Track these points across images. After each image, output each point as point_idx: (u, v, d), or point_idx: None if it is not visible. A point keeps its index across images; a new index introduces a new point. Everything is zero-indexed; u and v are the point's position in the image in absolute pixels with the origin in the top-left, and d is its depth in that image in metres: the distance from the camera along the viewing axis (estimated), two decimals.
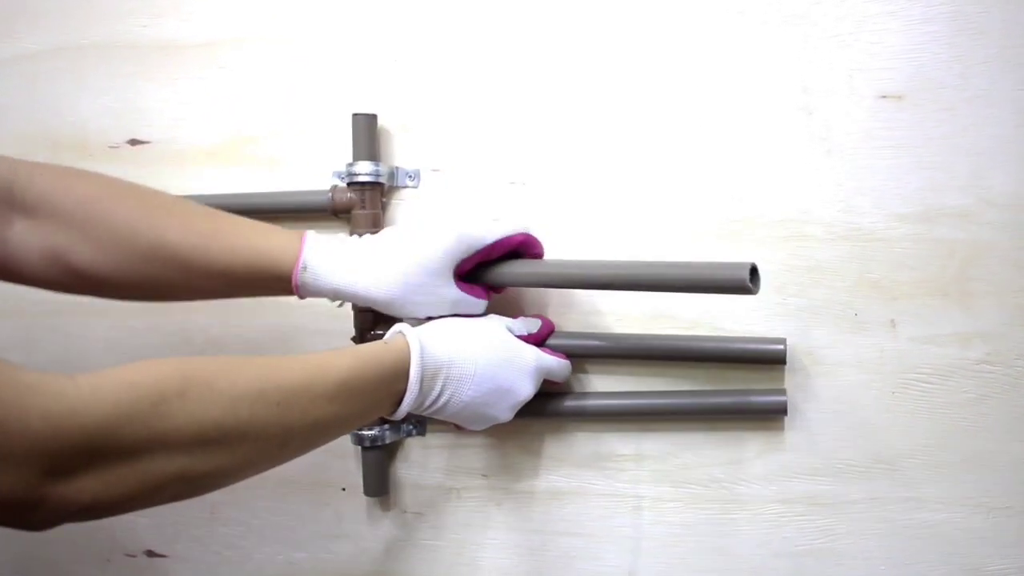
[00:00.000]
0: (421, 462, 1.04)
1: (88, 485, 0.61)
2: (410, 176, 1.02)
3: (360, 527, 1.07)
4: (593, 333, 0.97)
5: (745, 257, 0.87)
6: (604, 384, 0.98)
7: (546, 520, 1.01)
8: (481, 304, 0.92)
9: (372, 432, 1.00)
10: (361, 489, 1.04)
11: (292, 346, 1.07)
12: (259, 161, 1.05)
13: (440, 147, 1.02)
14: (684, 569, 0.98)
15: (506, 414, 0.90)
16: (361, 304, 0.91)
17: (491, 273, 0.92)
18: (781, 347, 0.91)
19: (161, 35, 1.10)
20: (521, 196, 0.99)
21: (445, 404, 0.85)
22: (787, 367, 0.93)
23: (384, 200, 1.02)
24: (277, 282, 0.88)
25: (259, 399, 0.70)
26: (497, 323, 0.91)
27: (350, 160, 1.00)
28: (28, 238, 0.85)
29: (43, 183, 0.84)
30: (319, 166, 1.04)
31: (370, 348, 0.81)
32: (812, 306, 0.93)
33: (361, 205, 0.99)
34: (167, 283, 0.89)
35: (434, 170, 1.02)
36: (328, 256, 0.88)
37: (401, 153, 1.03)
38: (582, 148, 0.97)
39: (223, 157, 1.07)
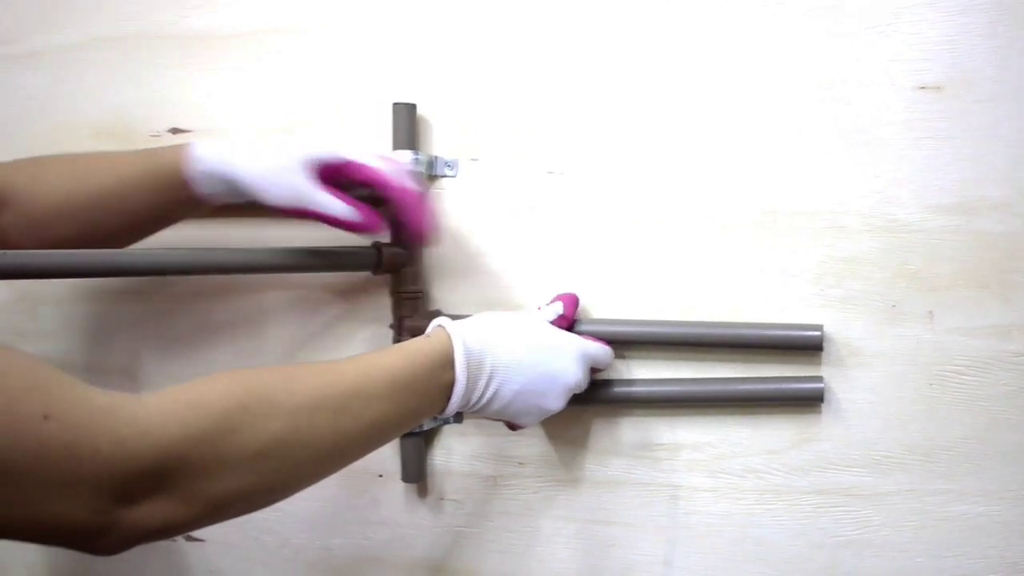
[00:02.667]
0: (459, 449, 1.05)
1: (158, 508, 0.63)
2: (449, 165, 1.03)
3: (397, 514, 1.07)
4: (630, 320, 0.97)
5: (781, 250, 0.90)
6: (640, 371, 0.99)
7: (582, 508, 1.01)
8: (343, 211, 0.90)
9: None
10: (398, 476, 1.05)
11: (328, 328, 1.08)
12: None
13: (479, 136, 1.02)
14: (719, 559, 0.98)
15: (558, 402, 0.89)
16: (241, 190, 0.92)
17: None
18: (818, 333, 0.91)
19: (202, 25, 1.11)
20: (559, 185, 1.00)
21: (495, 395, 0.84)
22: (824, 358, 0.93)
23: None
24: (169, 183, 0.93)
25: (317, 408, 0.71)
26: (533, 312, 0.92)
27: (390, 149, 1.01)
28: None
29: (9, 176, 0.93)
30: None
31: (414, 343, 0.82)
32: (849, 297, 0.92)
33: None
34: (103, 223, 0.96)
35: (472, 159, 1.02)
36: (211, 148, 0.91)
37: (440, 142, 1.03)
38: (620, 138, 0.98)
39: None
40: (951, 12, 0.88)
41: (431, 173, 1.02)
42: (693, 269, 0.96)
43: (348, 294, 1.06)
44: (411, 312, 1.01)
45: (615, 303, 0.98)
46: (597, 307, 0.99)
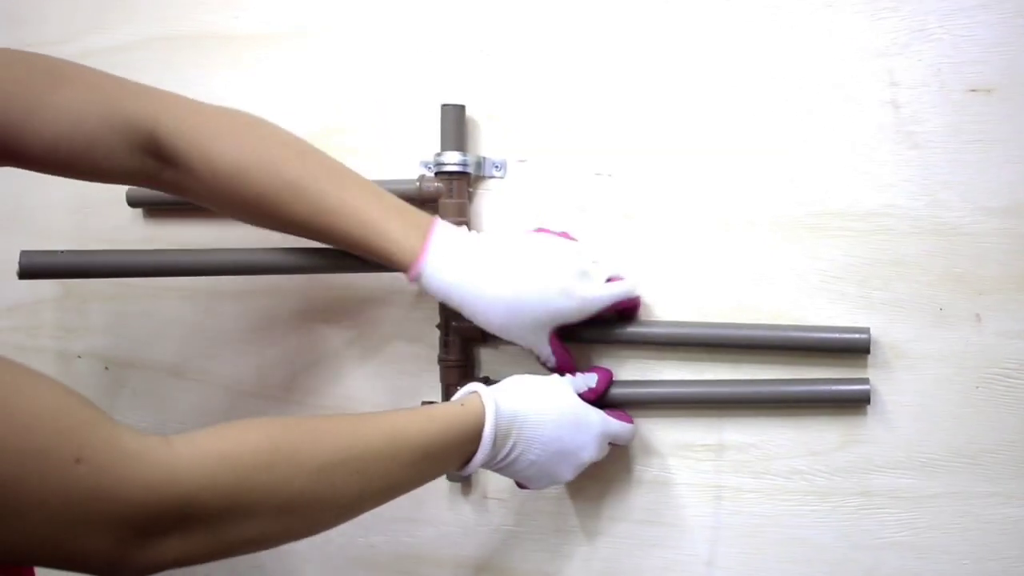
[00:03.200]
0: None
1: (173, 546, 0.65)
2: (496, 166, 1.03)
3: (441, 512, 1.08)
4: (675, 322, 0.98)
5: (829, 251, 0.92)
6: (685, 373, 0.99)
7: (626, 508, 1.02)
8: (552, 364, 0.96)
9: (424, 405, 1.02)
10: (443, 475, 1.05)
11: (375, 327, 1.09)
12: (348, 150, 1.06)
13: (526, 138, 1.03)
14: (762, 560, 0.98)
15: (568, 475, 0.92)
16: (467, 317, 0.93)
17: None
18: (865, 336, 0.91)
19: (253, 26, 1.12)
20: (606, 187, 1.00)
21: (512, 463, 0.87)
22: (870, 360, 0.93)
23: (471, 190, 1.03)
24: (393, 267, 0.91)
25: (340, 468, 0.73)
26: (566, 384, 0.93)
27: (438, 150, 1.02)
28: (180, 184, 0.89)
29: (182, 142, 0.86)
30: (407, 156, 1.06)
31: (448, 411, 0.83)
32: (896, 300, 0.93)
33: (448, 194, 1.01)
34: (295, 235, 0.93)
35: (520, 160, 1.03)
36: (445, 267, 0.89)
37: (488, 143, 1.04)
38: (668, 140, 0.98)
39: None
40: (1006, 15, 0.88)
41: (479, 174, 1.03)
42: (741, 270, 0.97)
43: (395, 294, 1.07)
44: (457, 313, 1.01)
45: (663, 303, 0.99)
46: (646, 307, 0.99)
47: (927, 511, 0.93)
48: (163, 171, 0.88)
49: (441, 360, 1.03)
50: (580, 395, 0.93)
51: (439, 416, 0.83)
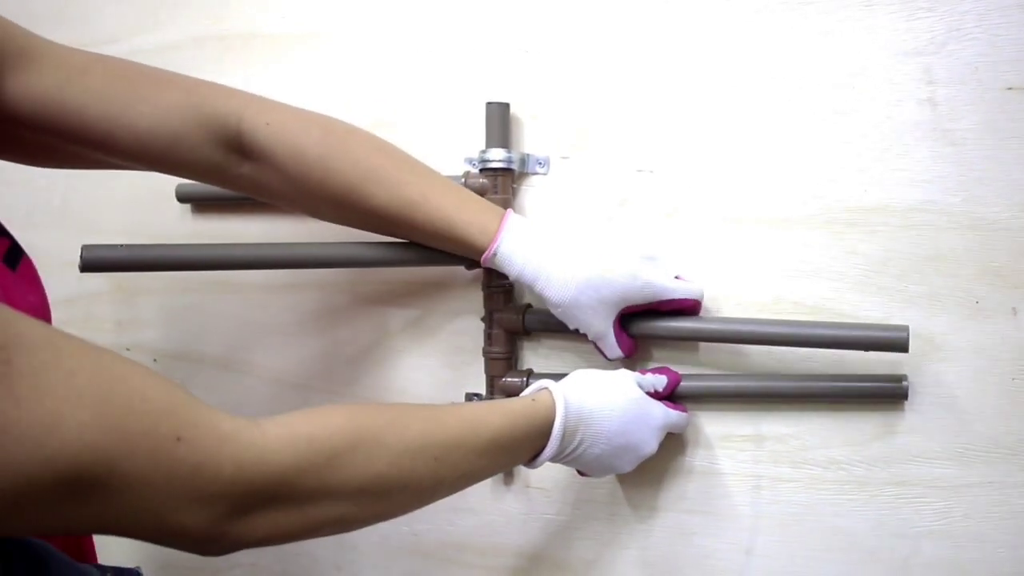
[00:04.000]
0: None
1: (262, 524, 0.68)
2: (540, 163, 1.06)
3: (484, 501, 1.10)
4: (715, 317, 1.01)
5: (868, 246, 0.93)
6: (726, 364, 1.02)
7: (666, 497, 1.04)
8: (616, 352, 0.98)
9: (498, 399, 1.04)
10: None
11: (420, 320, 1.12)
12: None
13: (569, 135, 1.05)
14: (801, 548, 1.00)
15: (629, 467, 0.95)
16: (537, 296, 0.96)
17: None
18: (904, 335, 0.91)
19: (300, 26, 1.14)
20: (648, 183, 1.02)
21: (578, 456, 0.90)
22: (907, 353, 0.95)
23: (515, 186, 1.06)
24: (468, 254, 0.95)
25: (420, 454, 0.76)
26: (631, 380, 0.95)
27: (483, 147, 1.04)
28: (255, 178, 0.93)
29: (267, 136, 0.90)
30: (453, 152, 1.08)
31: (519, 405, 0.87)
32: (933, 293, 0.95)
33: (493, 190, 1.03)
34: (372, 230, 0.98)
35: (563, 157, 1.05)
36: (519, 249, 0.93)
37: (531, 140, 1.06)
38: (709, 136, 1.01)
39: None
40: None
41: (523, 170, 1.05)
42: (780, 265, 0.98)
43: (439, 287, 1.09)
44: (501, 305, 1.04)
45: (707, 295, 1.00)
46: None
47: (963, 500, 0.95)
48: (242, 165, 0.92)
49: (485, 352, 1.06)
50: (646, 393, 0.96)
51: (513, 410, 0.86)
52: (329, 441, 0.71)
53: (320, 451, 0.70)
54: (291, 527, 0.70)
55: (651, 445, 0.95)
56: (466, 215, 0.93)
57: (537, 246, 0.93)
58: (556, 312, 0.95)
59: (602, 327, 0.96)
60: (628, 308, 0.95)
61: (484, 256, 0.93)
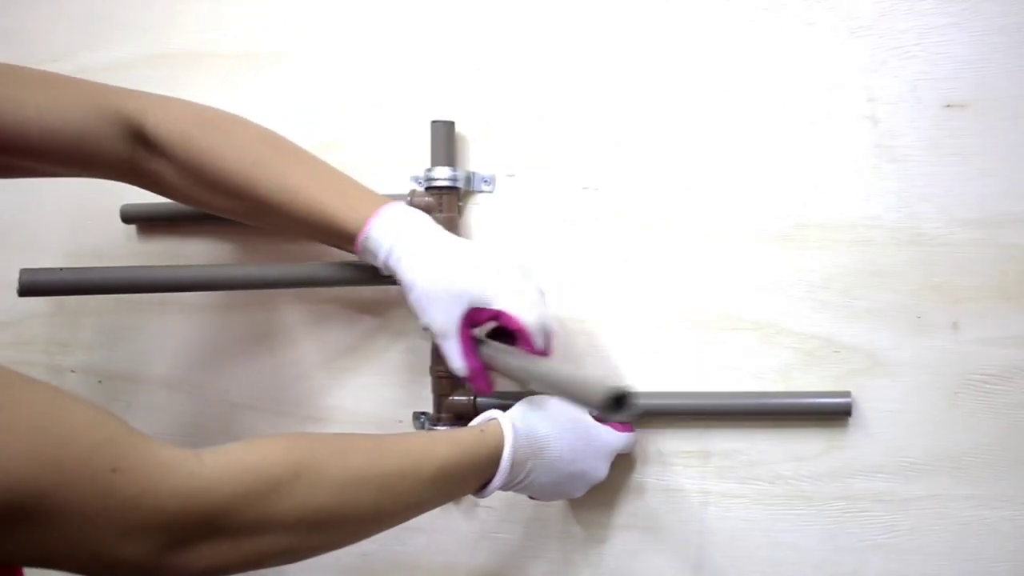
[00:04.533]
0: None
1: (202, 556, 0.67)
2: (486, 181, 1.06)
3: (434, 521, 1.09)
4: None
5: (811, 262, 0.95)
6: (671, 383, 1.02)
7: (616, 515, 1.04)
8: (458, 363, 0.93)
9: (445, 428, 1.04)
10: None
11: (367, 339, 1.11)
12: (342, 166, 1.07)
13: (515, 153, 1.05)
14: (748, 563, 1.01)
15: (580, 492, 0.96)
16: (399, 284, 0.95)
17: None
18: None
19: (245, 44, 1.14)
20: (593, 201, 1.03)
21: (527, 485, 0.91)
22: (850, 368, 0.96)
23: (460, 204, 1.05)
24: (344, 243, 0.95)
25: (363, 485, 0.76)
26: (580, 410, 0.94)
27: (428, 165, 1.04)
28: (162, 172, 0.94)
29: (166, 130, 0.92)
30: (398, 171, 1.08)
31: (468, 436, 0.86)
32: (876, 308, 0.95)
33: (439, 209, 1.03)
34: (260, 221, 1.00)
35: (509, 175, 1.05)
36: (388, 235, 0.92)
37: (477, 159, 1.06)
38: (654, 155, 1.01)
39: None
40: (978, 33, 0.91)
41: (469, 188, 1.05)
42: (725, 280, 0.99)
43: (387, 306, 1.09)
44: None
45: (649, 314, 1.02)
46: (635, 318, 1.02)
47: (908, 514, 0.96)
48: (150, 160, 0.93)
49: (433, 371, 1.05)
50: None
51: (461, 440, 0.85)
52: (270, 471, 0.70)
53: (261, 481, 0.70)
54: (232, 559, 0.69)
55: (601, 470, 0.95)
56: (343, 202, 0.93)
57: (407, 233, 0.92)
58: (409, 298, 0.93)
59: (445, 323, 0.91)
60: (472, 312, 0.91)
61: (357, 242, 0.92)
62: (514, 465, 0.87)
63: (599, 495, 1.03)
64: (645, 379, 1.02)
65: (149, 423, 1.19)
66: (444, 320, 0.91)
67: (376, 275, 0.97)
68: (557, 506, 1.06)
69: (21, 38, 1.22)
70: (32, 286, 0.89)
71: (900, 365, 0.95)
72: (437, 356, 1.03)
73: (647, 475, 1.02)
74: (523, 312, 0.90)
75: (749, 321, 0.99)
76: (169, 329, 1.18)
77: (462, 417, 1.02)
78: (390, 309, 1.09)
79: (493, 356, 0.92)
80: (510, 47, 1.05)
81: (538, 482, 0.90)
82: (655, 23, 1.01)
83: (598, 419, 0.95)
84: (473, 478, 0.86)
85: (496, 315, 0.91)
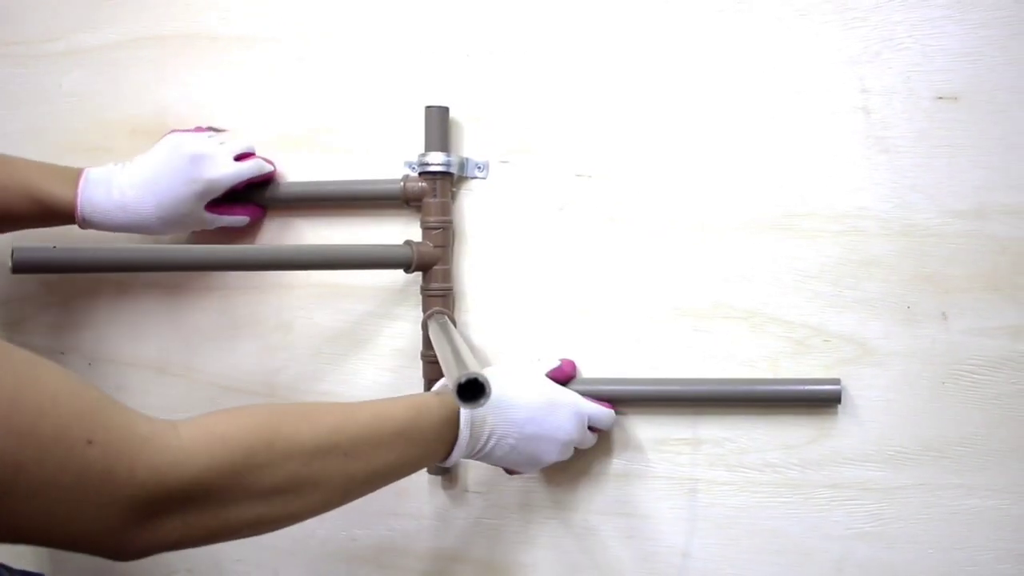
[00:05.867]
0: None
1: (176, 527, 0.68)
2: (479, 167, 1.06)
3: (422, 505, 1.10)
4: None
5: (803, 251, 0.95)
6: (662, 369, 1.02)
7: (604, 501, 1.05)
8: (239, 220, 1.07)
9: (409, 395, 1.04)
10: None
11: (358, 323, 1.11)
12: (335, 151, 1.09)
13: (509, 139, 1.05)
14: (736, 550, 1.01)
15: (553, 456, 0.96)
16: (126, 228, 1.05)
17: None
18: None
19: (240, 28, 1.14)
20: (587, 188, 1.03)
21: (493, 449, 0.91)
22: (840, 357, 0.96)
23: (454, 189, 1.06)
24: (61, 220, 1.04)
25: (331, 451, 0.77)
26: (538, 370, 0.97)
27: (422, 151, 1.04)
28: None
29: None
30: (392, 156, 1.08)
31: (425, 399, 0.88)
32: (867, 298, 0.96)
33: (432, 194, 1.03)
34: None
35: (502, 161, 1.06)
36: (99, 206, 1.02)
37: (471, 145, 1.07)
38: (645, 142, 1.01)
39: (300, 146, 1.11)
40: (971, 26, 0.92)
41: (462, 174, 1.05)
42: (718, 269, 0.99)
43: (378, 291, 1.09)
44: (441, 309, 1.04)
45: (641, 301, 1.02)
46: (626, 305, 1.02)
47: (895, 502, 0.97)
48: None
49: (423, 355, 1.05)
50: (551, 376, 0.97)
51: (419, 404, 0.86)
52: (245, 441, 0.71)
53: (235, 451, 0.70)
54: (205, 530, 0.70)
55: (567, 431, 0.95)
56: (45, 184, 1.01)
57: (112, 182, 1.02)
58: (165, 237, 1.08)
59: (204, 218, 1.06)
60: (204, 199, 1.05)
61: (77, 218, 1.02)
62: (473, 424, 0.88)
63: (589, 480, 1.04)
64: (635, 366, 1.02)
65: (139, 406, 1.18)
66: (190, 221, 1.07)
67: (370, 259, 0.97)
68: (545, 491, 1.06)
69: (15, 19, 1.21)
70: (26, 263, 0.88)
71: (889, 354, 0.96)
72: (427, 341, 1.04)
73: (637, 462, 1.03)
74: (245, 173, 1.06)
75: (740, 309, 0.99)
76: (159, 312, 1.18)
77: None
78: (381, 294, 1.09)
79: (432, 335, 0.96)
80: (505, 33, 1.05)
81: (503, 444, 0.91)
82: (649, 12, 1.01)
83: (551, 376, 0.97)
84: (434, 441, 0.87)
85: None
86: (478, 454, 0.91)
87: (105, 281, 1.19)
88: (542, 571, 1.07)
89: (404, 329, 1.09)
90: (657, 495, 1.03)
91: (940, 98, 0.93)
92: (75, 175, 1.02)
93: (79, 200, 1.01)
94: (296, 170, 1.11)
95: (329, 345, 1.12)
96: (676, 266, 1.01)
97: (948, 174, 0.93)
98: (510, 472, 0.98)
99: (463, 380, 0.77)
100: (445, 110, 1.05)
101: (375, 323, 1.11)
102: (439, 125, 1.04)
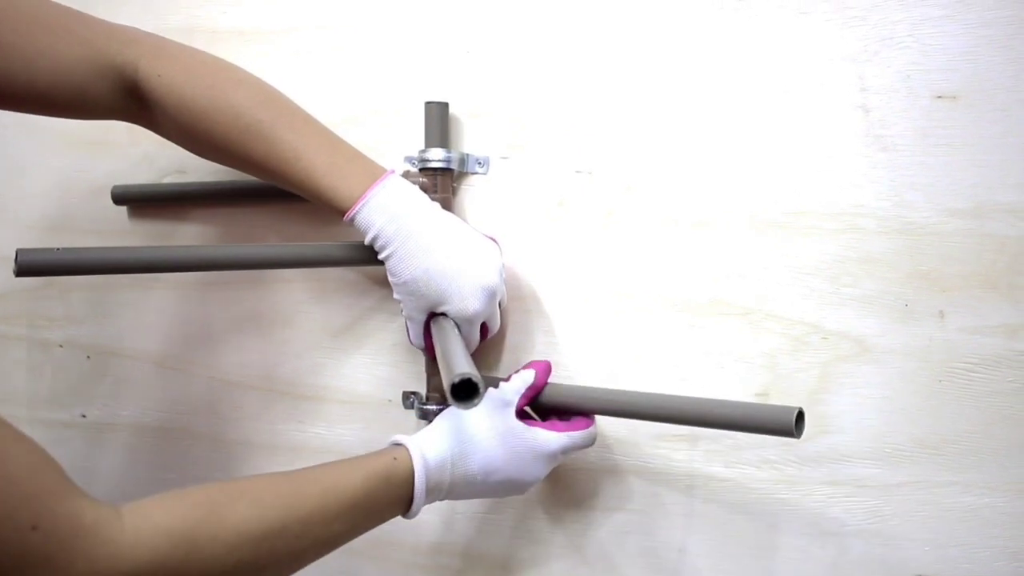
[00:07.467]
0: None
1: None
2: (479, 163, 1.06)
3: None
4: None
5: (801, 249, 0.94)
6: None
7: (601, 496, 1.05)
8: (420, 340, 1.00)
9: (434, 407, 1.04)
10: None
11: (359, 318, 1.12)
12: None
13: (509, 135, 1.06)
14: (733, 546, 1.01)
15: (524, 490, 0.96)
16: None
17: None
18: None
19: (240, 21, 1.14)
20: (586, 184, 1.03)
21: (458, 497, 0.92)
22: (837, 354, 0.96)
23: (454, 185, 1.06)
24: (335, 205, 0.94)
25: (280, 534, 0.76)
26: (499, 413, 0.93)
27: (422, 146, 1.04)
28: (155, 124, 0.98)
29: (158, 87, 0.93)
30: (393, 152, 1.08)
31: (378, 465, 0.86)
32: (864, 296, 0.96)
33: (432, 190, 1.03)
34: (256, 176, 0.99)
35: (503, 157, 1.06)
36: (374, 225, 0.93)
37: (471, 140, 1.07)
38: (646, 139, 1.02)
39: None
40: (971, 25, 0.92)
41: (462, 170, 1.06)
42: (716, 266, 1.00)
43: (379, 284, 1.09)
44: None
45: (638, 298, 1.02)
46: (623, 302, 1.03)
47: (891, 500, 0.97)
48: (142, 111, 0.95)
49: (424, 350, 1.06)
50: (524, 397, 0.95)
51: (372, 471, 0.85)
52: (190, 535, 0.70)
53: (178, 546, 0.69)
54: None
55: (534, 474, 0.94)
56: (334, 178, 0.93)
57: (394, 219, 0.93)
58: (390, 280, 0.96)
59: (413, 312, 0.98)
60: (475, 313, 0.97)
61: (345, 218, 0.94)
62: (429, 490, 0.88)
63: (585, 475, 1.04)
64: (632, 363, 1.03)
65: (137, 400, 1.20)
66: (412, 309, 0.97)
67: (369, 256, 0.97)
68: (543, 486, 1.06)
69: None
70: (29, 266, 0.88)
71: (886, 352, 0.96)
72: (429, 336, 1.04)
73: (635, 458, 1.03)
74: (463, 311, 0.95)
75: (737, 306, 0.99)
76: (159, 305, 1.18)
77: None
78: (383, 289, 1.09)
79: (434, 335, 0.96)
80: (505, 30, 1.06)
81: (468, 493, 0.91)
82: (649, 8, 1.01)
83: (533, 422, 0.95)
84: (387, 507, 0.87)
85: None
86: (437, 501, 0.91)
87: (104, 275, 1.19)
88: (539, 566, 1.08)
89: (404, 324, 1.08)
90: (655, 491, 1.03)
91: (939, 97, 0.94)
92: (365, 181, 0.95)
93: (358, 208, 0.94)
94: None
95: (330, 339, 1.13)
96: (674, 262, 1.01)
97: (947, 173, 0.94)
98: None
99: (456, 380, 0.77)
100: (445, 106, 1.05)
101: (375, 317, 1.11)
102: (439, 121, 1.04)
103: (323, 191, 0.93)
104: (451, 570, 1.11)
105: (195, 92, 0.93)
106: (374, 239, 0.93)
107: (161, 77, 0.93)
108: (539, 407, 0.98)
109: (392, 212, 0.93)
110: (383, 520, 0.88)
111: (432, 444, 0.90)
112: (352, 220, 0.93)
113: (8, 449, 0.63)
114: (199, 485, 0.75)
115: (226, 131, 0.93)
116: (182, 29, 1.16)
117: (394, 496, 0.87)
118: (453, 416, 0.93)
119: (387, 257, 0.94)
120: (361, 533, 0.86)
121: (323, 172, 0.93)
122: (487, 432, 0.92)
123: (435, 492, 0.89)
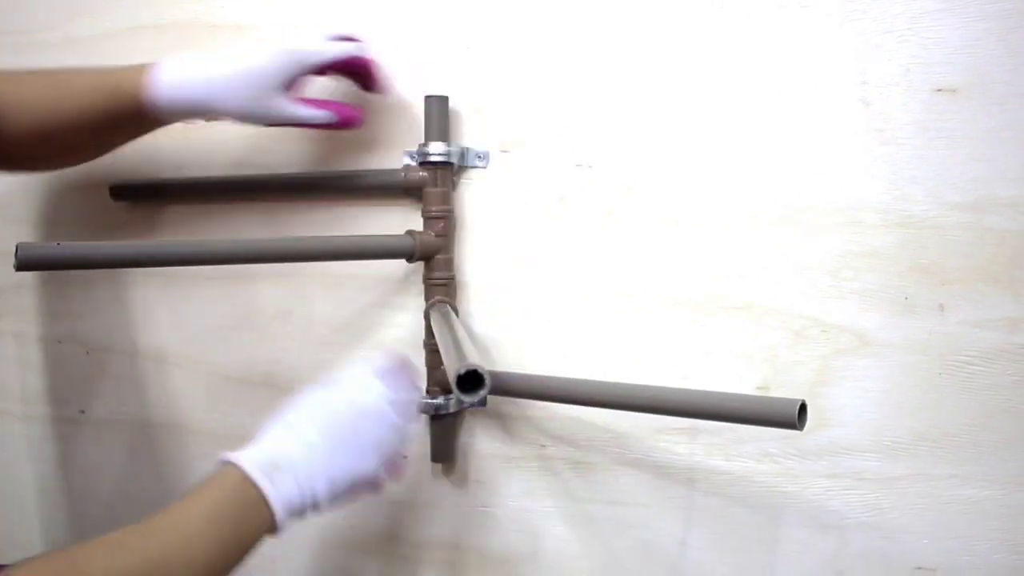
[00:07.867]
0: (483, 431, 1.09)
1: None
2: (480, 157, 1.06)
3: (422, 493, 1.11)
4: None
5: (802, 243, 0.94)
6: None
7: (602, 490, 1.05)
8: (325, 115, 1.00)
9: (438, 401, 1.04)
10: (422, 456, 1.08)
11: (359, 313, 1.12)
12: (335, 140, 1.09)
13: (509, 129, 1.06)
14: (734, 539, 1.02)
15: (376, 459, 0.89)
16: (216, 116, 1.00)
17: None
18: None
19: (238, 15, 1.14)
20: (587, 179, 1.03)
21: (314, 493, 0.84)
22: (837, 347, 0.97)
23: (454, 179, 1.06)
24: (133, 105, 0.97)
25: (146, 571, 0.73)
26: (330, 389, 0.90)
27: (423, 140, 1.04)
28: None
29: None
30: (393, 146, 1.08)
31: (219, 496, 0.80)
32: (865, 289, 0.96)
33: (433, 184, 1.03)
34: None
35: (503, 151, 1.06)
36: (179, 67, 0.97)
37: (471, 134, 1.07)
38: (647, 133, 1.02)
39: (300, 135, 1.11)
40: (970, 19, 0.92)
41: (463, 164, 1.06)
42: (714, 259, 1.00)
43: (379, 280, 1.10)
44: (443, 298, 1.04)
45: (637, 292, 1.03)
46: (624, 297, 1.03)
47: (891, 493, 0.97)
48: None
49: (426, 344, 1.06)
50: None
51: (216, 510, 0.79)
52: None
53: None
54: None
55: (367, 466, 0.88)
56: (111, 72, 0.97)
57: (197, 57, 0.97)
58: (245, 120, 0.99)
59: (283, 107, 0.98)
60: (294, 83, 0.98)
61: (146, 94, 0.96)
62: (269, 472, 0.81)
63: (586, 469, 1.04)
64: (633, 361, 1.03)
65: (136, 395, 1.20)
66: (270, 106, 0.98)
67: (372, 249, 0.97)
68: (544, 480, 1.07)
69: (12, 8, 1.21)
70: (30, 260, 0.88)
71: (887, 345, 0.96)
72: (429, 330, 1.04)
73: (635, 451, 1.03)
74: (335, 53, 0.99)
75: (738, 300, 1.00)
76: (158, 301, 1.18)
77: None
78: (383, 284, 1.09)
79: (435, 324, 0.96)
80: (505, 24, 1.05)
81: (320, 486, 0.84)
82: (649, 3, 1.01)
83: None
84: (246, 529, 0.80)
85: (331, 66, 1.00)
86: (313, 507, 0.84)
87: (103, 270, 1.19)
88: (540, 560, 1.08)
89: (405, 319, 1.09)
90: (656, 484, 1.04)
91: (939, 90, 0.94)
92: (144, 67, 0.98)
93: (154, 72, 0.97)
94: (296, 160, 1.11)
95: (330, 334, 1.13)
96: (674, 257, 1.01)
97: (947, 166, 0.94)
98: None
99: (462, 372, 0.77)
100: (445, 100, 1.05)
101: (376, 312, 1.11)
102: (440, 115, 1.04)
103: (114, 82, 0.97)
104: (454, 564, 1.11)
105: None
106: (188, 100, 0.97)
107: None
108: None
109: (189, 61, 0.98)
110: (251, 523, 0.80)
111: (259, 449, 0.84)
112: (154, 89, 0.96)
113: None
114: (61, 549, 0.73)
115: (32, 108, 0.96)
116: (180, 24, 1.15)
117: (247, 515, 0.80)
118: (280, 412, 0.88)
119: (210, 90, 0.97)
120: (236, 552, 0.80)
121: (104, 72, 0.98)
122: (319, 414, 0.88)
123: (289, 491, 0.82)
